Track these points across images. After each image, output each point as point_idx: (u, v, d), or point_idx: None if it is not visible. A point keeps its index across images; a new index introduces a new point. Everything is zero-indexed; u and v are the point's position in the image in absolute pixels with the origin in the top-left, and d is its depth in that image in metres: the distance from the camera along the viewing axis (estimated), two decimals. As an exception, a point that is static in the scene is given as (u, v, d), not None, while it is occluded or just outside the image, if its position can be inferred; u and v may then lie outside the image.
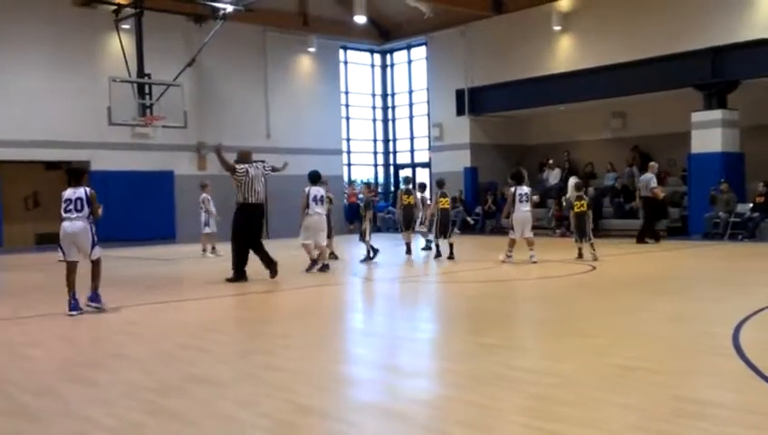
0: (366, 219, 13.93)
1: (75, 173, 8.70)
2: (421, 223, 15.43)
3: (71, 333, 7.39)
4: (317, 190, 12.34)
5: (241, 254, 11.24)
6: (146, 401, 4.72)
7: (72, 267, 8.40)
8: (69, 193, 8.44)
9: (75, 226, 8.33)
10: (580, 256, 13.31)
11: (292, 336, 6.95)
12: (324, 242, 12.54)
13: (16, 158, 19.75)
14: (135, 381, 5.25)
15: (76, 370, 5.67)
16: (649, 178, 17.11)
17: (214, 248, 15.91)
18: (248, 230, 11.29)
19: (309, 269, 12.23)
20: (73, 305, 8.32)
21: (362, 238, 13.93)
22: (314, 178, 12.50)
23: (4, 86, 19.36)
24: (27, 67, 19.81)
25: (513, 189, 13.16)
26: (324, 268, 12.25)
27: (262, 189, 11.37)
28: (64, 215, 8.36)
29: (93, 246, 8.47)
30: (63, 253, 8.38)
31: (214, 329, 7.57)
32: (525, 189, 13.10)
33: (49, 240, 21.90)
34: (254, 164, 11.52)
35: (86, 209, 8.36)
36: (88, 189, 8.49)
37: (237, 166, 11.20)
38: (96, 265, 8.55)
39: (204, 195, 16.04)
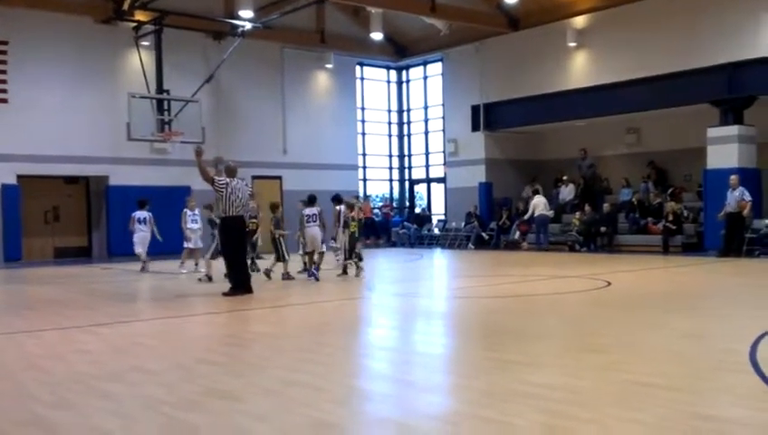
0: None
1: (312, 198, 13.87)
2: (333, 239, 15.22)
3: (88, 345, 7.44)
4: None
5: (233, 267, 11.39)
6: (163, 414, 4.75)
7: (311, 254, 13.54)
8: (308, 211, 13.65)
9: (313, 230, 13.54)
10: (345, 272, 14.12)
11: (308, 350, 6.99)
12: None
13: (37, 172, 20.01)
14: (152, 394, 5.28)
15: (94, 383, 5.70)
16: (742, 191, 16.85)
17: (196, 264, 15.96)
18: (231, 243, 11.44)
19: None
20: (311, 273, 13.39)
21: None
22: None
23: (25, 102, 19.63)
24: (48, 83, 20.11)
25: (302, 211, 14.43)
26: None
27: (241, 204, 11.46)
28: (305, 224, 13.57)
29: (321, 243, 13.54)
30: (305, 246, 13.73)
31: (231, 343, 7.62)
32: (314, 210, 14.05)
33: (67, 254, 22.24)
34: (237, 179, 11.63)
35: (318, 221, 13.54)
36: (319, 208, 13.63)
37: (217, 178, 11.36)
38: (321, 255, 13.63)
39: (184, 209, 16.20)
